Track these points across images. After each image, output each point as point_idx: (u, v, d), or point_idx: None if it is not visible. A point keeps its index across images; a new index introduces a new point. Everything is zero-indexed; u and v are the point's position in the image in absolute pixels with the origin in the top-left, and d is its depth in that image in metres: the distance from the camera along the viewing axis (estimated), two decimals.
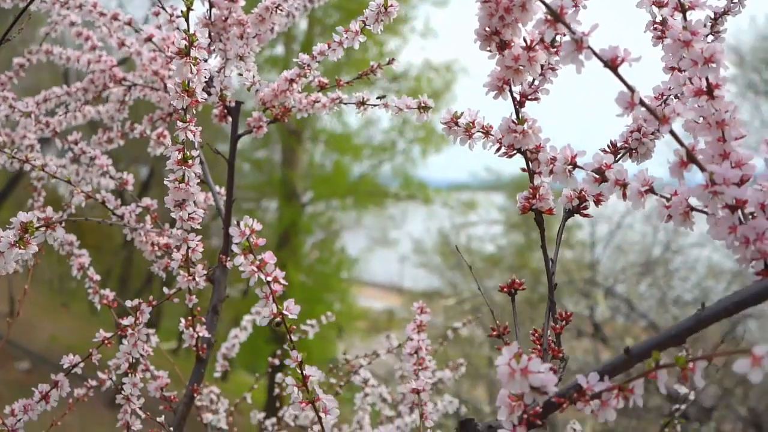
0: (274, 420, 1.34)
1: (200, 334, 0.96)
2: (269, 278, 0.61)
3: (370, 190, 11.34)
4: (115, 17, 1.07)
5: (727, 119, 0.52)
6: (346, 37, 0.89)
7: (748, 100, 9.03)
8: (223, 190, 1.10)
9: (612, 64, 0.50)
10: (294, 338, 0.65)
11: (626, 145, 0.67)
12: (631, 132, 0.68)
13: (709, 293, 7.20)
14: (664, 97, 0.68)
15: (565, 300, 7.13)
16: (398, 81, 9.71)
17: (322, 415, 0.64)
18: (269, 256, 0.61)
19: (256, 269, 0.61)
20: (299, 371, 0.64)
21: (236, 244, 0.60)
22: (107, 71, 1.16)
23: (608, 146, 0.68)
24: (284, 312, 0.62)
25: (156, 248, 1.00)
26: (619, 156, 0.68)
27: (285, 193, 10.81)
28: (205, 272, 0.90)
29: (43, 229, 0.65)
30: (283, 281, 0.62)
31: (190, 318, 0.95)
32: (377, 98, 0.95)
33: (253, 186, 11.29)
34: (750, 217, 0.52)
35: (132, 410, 0.92)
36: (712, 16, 0.73)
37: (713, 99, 0.53)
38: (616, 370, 0.51)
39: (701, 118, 0.54)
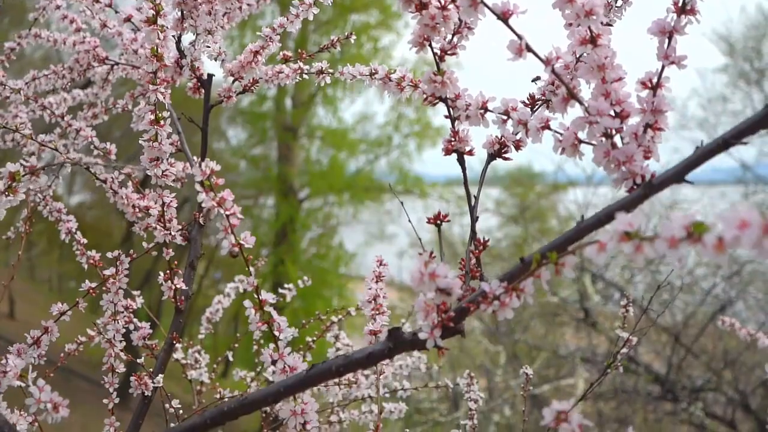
0: (252, 374, 1.44)
1: (178, 287, 1.05)
2: (228, 212, 0.70)
3: (367, 185, 11.43)
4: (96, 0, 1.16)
5: (606, 63, 0.62)
6: (302, 10, 0.98)
7: (739, 90, 9.11)
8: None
9: (504, 17, 0.59)
10: (252, 269, 0.75)
11: (543, 97, 0.76)
12: (548, 85, 0.77)
13: (699, 280, 7.32)
14: (578, 55, 0.77)
15: (559, 289, 7.24)
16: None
17: (276, 333, 0.73)
18: (228, 194, 0.71)
19: (216, 204, 0.70)
20: (256, 296, 0.73)
21: (198, 182, 0.69)
22: (91, 51, 1.25)
23: (527, 98, 0.77)
24: (241, 242, 0.71)
25: (137, 210, 1.09)
26: (537, 106, 0.77)
27: (282, 190, 10.90)
28: (180, 227, 0.99)
29: (28, 176, 0.75)
30: (240, 215, 0.71)
31: (168, 271, 1.04)
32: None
33: (250, 183, 11.38)
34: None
35: (115, 353, 1.01)
36: None
37: (596, 46, 0.62)
38: (514, 277, 0.60)
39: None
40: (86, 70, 1.26)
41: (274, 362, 0.73)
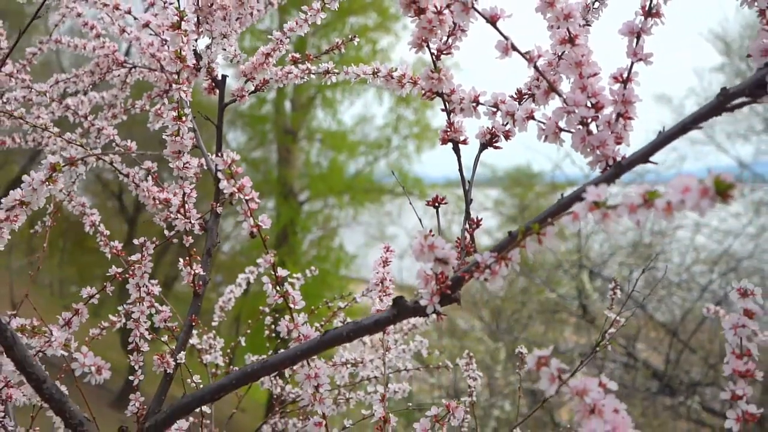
0: (264, 357, 1.52)
1: (196, 272, 1.13)
2: (247, 197, 0.79)
3: (366, 186, 11.52)
4: (116, 7, 1.24)
5: (583, 61, 0.70)
6: (310, 14, 1.07)
7: None
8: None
9: (492, 20, 0.68)
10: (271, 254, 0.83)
11: (529, 92, 0.85)
12: (533, 80, 0.85)
13: (696, 276, 7.41)
14: (559, 53, 0.85)
15: (559, 288, 7.33)
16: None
17: (291, 305, 0.82)
18: (247, 181, 0.79)
19: (237, 191, 0.79)
20: (273, 272, 0.82)
21: (220, 170, 0.78)
22: (110, 56, 1.34)
23: (515, 92, 0.85)
24: (259, 223, 0.80)
25: (157, 202, 1.18)
26: (524, 100, 0.85)
27: (282, 192, 10.98)
28: (199, 216, 1.07)
29: (67, 167, 0.83)
30: (257, 200, 0.79)
31: (187, 258, 1.13)
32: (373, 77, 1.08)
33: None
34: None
35: (141, 333, 1.10)
36: None
37: (574, 45, 0.71)
38: (503, 248, 0.69)
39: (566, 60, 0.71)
40: (106, 73, 1.35)
41: (289, 332, 0.81)
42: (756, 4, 0.65)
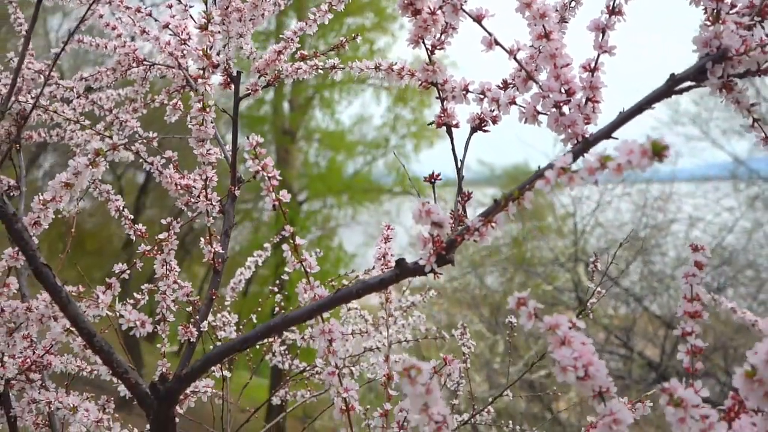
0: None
1: (216, 250, 1.25)
2: (269, 175, 0.91)
3: (365, 186, 11.64)
4: (138, 10, 1.36)
5: (557, 53, 0.82)
6: (318, 16, 1.19)
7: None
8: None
9: (478, 19, 0.79)
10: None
11: (512, 81, 0.96)
12: (516, 71, 0.97)
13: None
14: (537, 46, 0.97)
15: (556, 282, 7.46)
16: None
17: (308, 269, 0.93)
18: (269, 161, 0.91)
19: (260, 169, 0.90)
20: (292, 241, 0.93)
21: (246, 151, 0.89)
22: (131, 54, 1.45)
23: (501, 82, 0.97)
24: (280, 197, 0.92)
25: (178, 188, 1.29)
26: (508, 88, 0.97)
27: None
28: (219, 198, 1.19)
29: (111, 151, 0.94)
30: (278, 177, 0.91)
31: (208, 237, 1.24)
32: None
33: (249, 186, 11.55)
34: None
35: (167, 305, 1.21)
36: None
37: (549, 40, 0.82)
38: (490, 214, 0.80)
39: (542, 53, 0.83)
40: (127, 70, 1.46)
41: (305, 292, 0.93)
42: (702, 3, 0.77)
